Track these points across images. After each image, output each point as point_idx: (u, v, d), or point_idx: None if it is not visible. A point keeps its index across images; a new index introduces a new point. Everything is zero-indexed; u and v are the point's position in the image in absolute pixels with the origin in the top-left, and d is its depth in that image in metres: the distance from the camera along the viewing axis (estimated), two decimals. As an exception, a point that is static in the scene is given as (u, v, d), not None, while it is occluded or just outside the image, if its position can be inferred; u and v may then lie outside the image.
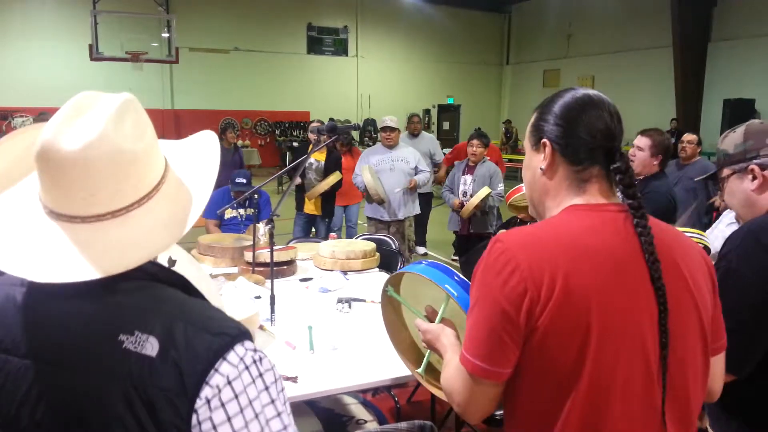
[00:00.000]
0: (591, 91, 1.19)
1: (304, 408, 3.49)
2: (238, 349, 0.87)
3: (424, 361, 1.60)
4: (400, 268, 3.53)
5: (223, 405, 0.84)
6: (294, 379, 2.14)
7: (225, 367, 0.85)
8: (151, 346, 0.84)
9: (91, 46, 11.82)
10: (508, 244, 1.08)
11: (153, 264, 0.96)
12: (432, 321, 1.43)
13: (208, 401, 0.83)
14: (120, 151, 0.88)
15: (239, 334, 0.89)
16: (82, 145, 0.86)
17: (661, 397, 1.08)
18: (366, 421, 3.56)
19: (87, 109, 0.90)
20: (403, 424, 1.91)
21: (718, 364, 1.24)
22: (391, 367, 2.15)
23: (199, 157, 1.06)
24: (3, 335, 0.90)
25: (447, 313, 1.43)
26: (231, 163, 7.73)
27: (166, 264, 1.82)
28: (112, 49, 12.39)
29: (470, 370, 1.10)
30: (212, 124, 15.50)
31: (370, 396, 3.81)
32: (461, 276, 1.44)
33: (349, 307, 2.94)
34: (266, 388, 0.88)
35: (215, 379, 0.84)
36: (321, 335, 2.55)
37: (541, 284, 1.03)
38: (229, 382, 0.85)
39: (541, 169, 1.19)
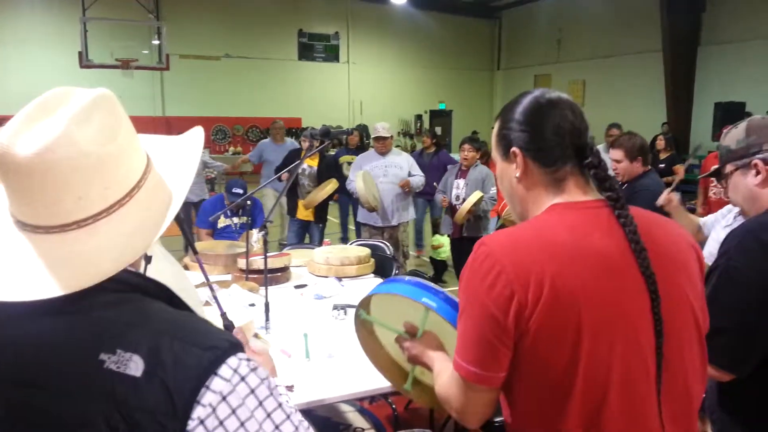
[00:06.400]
0: (550, 92, 1.18)
1: (299, 417, 3.44)
2: (231, 361, 0.81)
3: (410, 376, 1.57)
4: (394, 275, 3.50)
5: (221, 423, 0.79)
6: (290, 388, 2.11)
7: (217, 384, 0.79)
8: (135, 366, 0.78)
9: (80, 54, 11.74)
10: (492, 248, 1.07)
11: (136, 275, 0.89)
12: (413, 336, 1.42)
13: (202, 422, 0.78)
14: (83, 154, 0.81)
15: (231, 346, 0.83)
16: (38, 150, 0.78)
17: (656, 389, 1.06)
18: (363, 430, 3.52)
19: (53, 109, 0.83)
20: (401, 433, 1.87)
21: None
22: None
23: (183, 155, 0.99)
24: None
25: (427, 326, 1.40)
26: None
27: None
28: (102, 56, 12.31)
29: (464, 376, 1.10)
30: (204, 131, 15.41)
31: (367, 404, 3.77)
32: (436, 287, 1.41)
33: (345, 313, 2.91)
34: (270, 394, 0.83)
35: (207, 397, 0.78)
36: (317, 343, 2.52)
37: (528, 287, 1.02)
38: (224, 398, 0.79)
39: (516, 177, 1.19)
